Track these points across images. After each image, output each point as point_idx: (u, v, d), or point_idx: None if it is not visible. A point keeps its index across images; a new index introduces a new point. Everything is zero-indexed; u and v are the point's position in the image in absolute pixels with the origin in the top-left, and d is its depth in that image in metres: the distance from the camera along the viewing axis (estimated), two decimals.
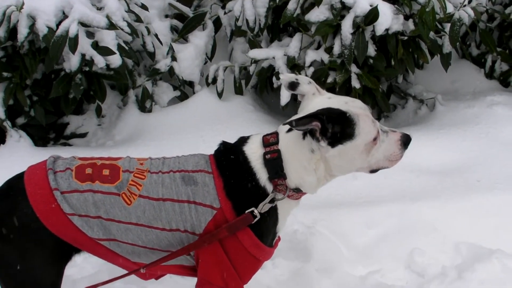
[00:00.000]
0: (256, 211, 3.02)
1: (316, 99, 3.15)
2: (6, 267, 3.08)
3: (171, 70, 6.20)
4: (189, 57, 6.30)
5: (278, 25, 6.23)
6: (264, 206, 3.05)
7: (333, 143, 3.02)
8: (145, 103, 6.16)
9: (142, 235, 3.08)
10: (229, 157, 3.13)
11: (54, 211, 3.03)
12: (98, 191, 3.07)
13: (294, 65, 5.84)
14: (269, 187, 3.08)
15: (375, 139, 3.09)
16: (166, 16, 6.74)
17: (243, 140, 3.19)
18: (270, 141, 3.10)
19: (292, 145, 3.08)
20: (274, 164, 3.07)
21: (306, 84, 3.18)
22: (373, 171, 3.24)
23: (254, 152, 3.11)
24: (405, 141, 3.21)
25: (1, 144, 5.75)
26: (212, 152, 3.20)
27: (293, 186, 3.10)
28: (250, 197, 3.07)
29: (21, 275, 3.08)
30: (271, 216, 3.13)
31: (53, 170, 3.12)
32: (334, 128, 3.00)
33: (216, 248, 3.07)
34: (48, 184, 3.06)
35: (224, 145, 3.21)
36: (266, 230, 3.13)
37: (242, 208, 3.05)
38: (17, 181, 3.14)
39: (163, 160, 3.22)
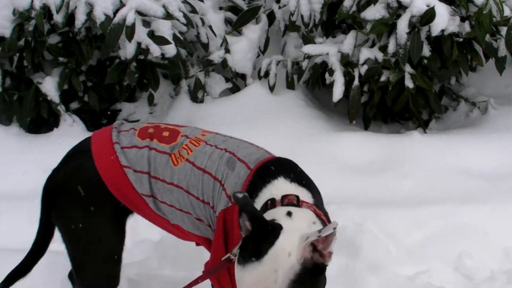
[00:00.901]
0: (231, 256, 2.77)
1: None
2: (71, 228, 3.21)
3: (224, 62, 6.22)
4: (242, 50, 6.30)
5: (333, 21, 6.22)
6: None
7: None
8: (197, 93, 6.20)
9: (180, 198, 3.11)
10: (269, 169, 2.96)
11: (112, 163, 3.13)
12: (153, 148, 3.15)
13: (348, 63, 5.83)
14: None
15: None
16: (220, 8, 6.76)
17: (298, 174, 2.98)
18: (295, 200, 2.81)
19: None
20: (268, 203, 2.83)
21: None
22: None
23: (285, 185, 2.89)
24: None
25: (55, 128, 5.84)
26: (272, 153, 3.14)
27: None
28: None
29: (85, 234, 3.19)
30: None
31: (117, 129, 3.24)
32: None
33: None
34: (111, 139, 3.17)
35: (281, 160, 3.04)
36: None
37: None
38: (84, 141, 3.29)
39: (227, 138, 3.20)
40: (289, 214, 2.70)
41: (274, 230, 2.57)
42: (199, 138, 3.18)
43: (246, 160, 3.02)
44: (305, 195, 2.86)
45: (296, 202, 2.78)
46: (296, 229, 2.59)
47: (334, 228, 2.45)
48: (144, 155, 3.14)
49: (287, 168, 2.98)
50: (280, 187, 2.88)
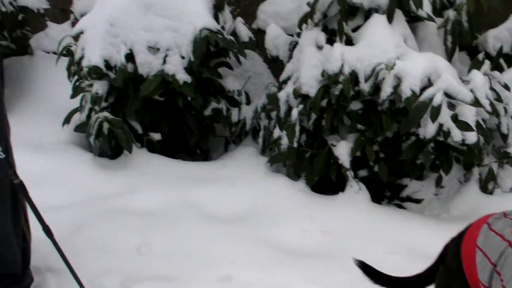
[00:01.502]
0: None
1: None
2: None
3: None
4: None
5: None
6: None
7: None
8: (487, 184, 6.04)
9: None
10: None
11: (471, 238, 3.15)
12: None
13: None
14: None
15: None
16: None
17: None
18: None
19: None
20: None
21: None
22: None
23: None
24: None
25: (340, 192, 5.91)
26: None
27: None
28: None
29: None
30: None
31: (507, 214, 3.18)
32: None
33: None
34: (487, 218, 3.18)
35: None
36: None
37: None
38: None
39: None
40: None
41: None
42: None
43: None
44: None
45: None
46: None
47: None
48: (501, 247, 3.02)
49: None
50: None
